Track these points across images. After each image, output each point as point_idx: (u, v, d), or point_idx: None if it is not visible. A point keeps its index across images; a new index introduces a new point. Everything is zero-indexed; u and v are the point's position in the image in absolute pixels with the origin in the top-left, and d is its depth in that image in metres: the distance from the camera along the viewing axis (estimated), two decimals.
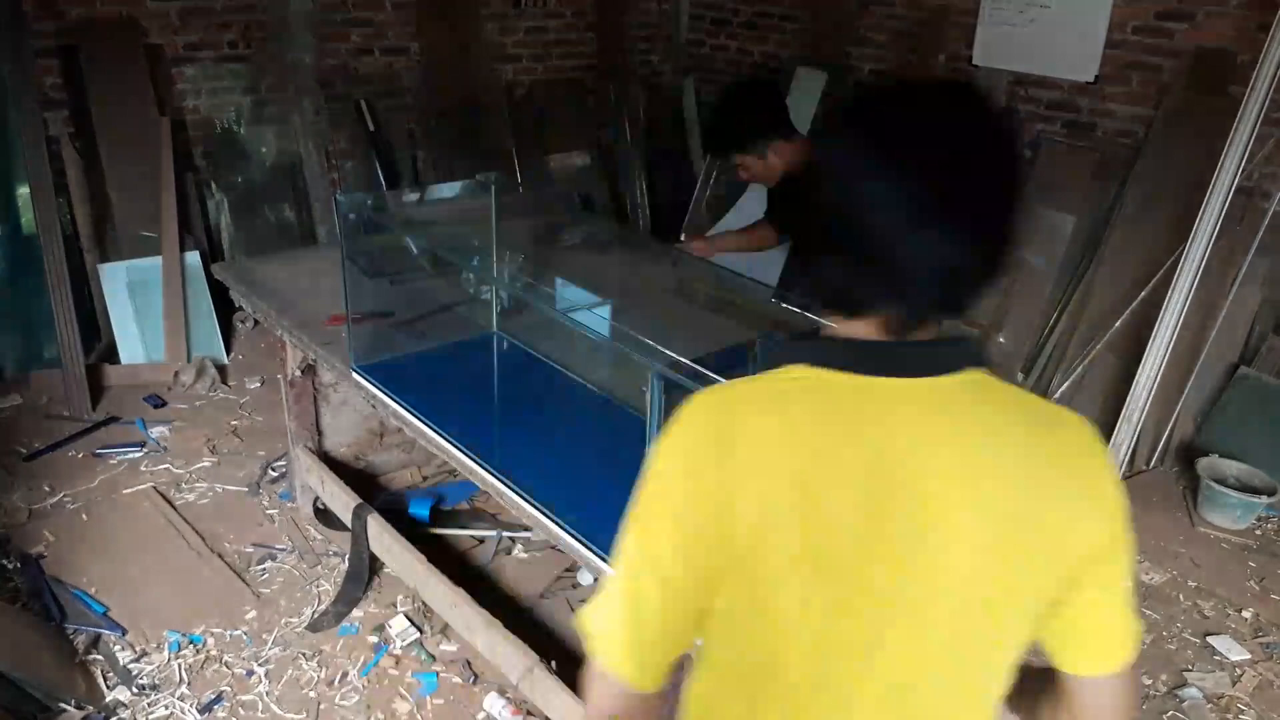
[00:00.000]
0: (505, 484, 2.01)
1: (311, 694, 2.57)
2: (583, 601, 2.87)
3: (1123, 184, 4.02)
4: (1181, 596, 3.10)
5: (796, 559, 0.91)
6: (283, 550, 3.10)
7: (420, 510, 3.10)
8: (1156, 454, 3.83)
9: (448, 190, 2.81)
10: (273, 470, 3.51)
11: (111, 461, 3.53)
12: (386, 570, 2.96)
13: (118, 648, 2.66)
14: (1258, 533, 3.46)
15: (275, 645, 2.71)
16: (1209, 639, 2.91)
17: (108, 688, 2.53)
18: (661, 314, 2.65)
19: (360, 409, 3.26)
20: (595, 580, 2.75)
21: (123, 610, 2.78)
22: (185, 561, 3.01)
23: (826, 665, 0.97)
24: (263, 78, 4.71)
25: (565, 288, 2.10)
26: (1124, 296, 3.88)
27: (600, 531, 1.82)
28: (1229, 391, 3.82)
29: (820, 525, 0.90)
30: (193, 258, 4.36)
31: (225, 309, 4.29)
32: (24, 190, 3.96)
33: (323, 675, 2.63)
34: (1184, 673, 2.78)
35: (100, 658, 2.62)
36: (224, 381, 4.16)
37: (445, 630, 2.77)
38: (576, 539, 1.83)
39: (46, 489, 3.34)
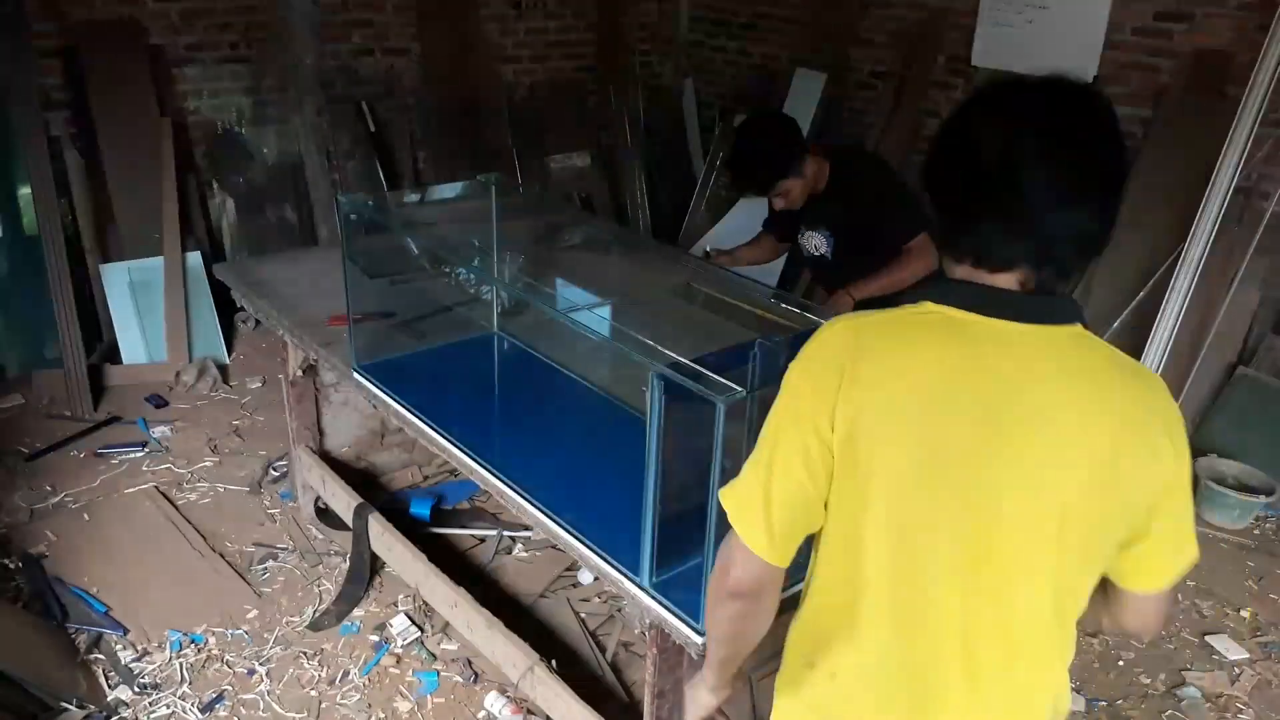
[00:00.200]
0: (505, 483, 2.02)
1: (313, 693, 2.57)
2: (584, 601, 2.90)
3: None
4: (1180, 596, 3.11)
5: (909, 473, 1.06)
6: (284, 550, 3.11)
7: (421, 510, 3.11)
8: None
9: (448, 191, 2.82)
10: (274, 470, 3.52)
11: (113, 461, 3.54)
12: (387, 569, 2.96)
13: (119, 647, 2.66)
14: (1256, 532, 3.46)
15: (276, 644, 2.72)
16: (1207, 638, 2.92)
17: (109, 687, 2.54)
18: (661, 314, 2.66)
19: (361, 409, 3.27)
20: (595, 579, 2.76)
21: (124, 610, 2.79)
22: (187, 561, 3.02)
23: (929, 579, 1.09)
24: (264, 78, 4.72)
25: (565, 288, 2.11)
26: (1123, 296, 3.89)
27: (600, 531, 1.83)
28: (1228, 391, 3.83)
29: (936, 445, 1.05)
30: (194, 258, 4.37)
31: (226, 309, 4.30)
32: (25, 191, 3.97)
33: (324, 674, 2.63)
34: (1183, 672, 2.78)
35: (102, 657, 2.62)
36: (225, 381, 4.17)
37: (446, 629, 2.77)
38: (576, 538, 1.84)
39: (48, 489, 3.35)
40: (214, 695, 2.53)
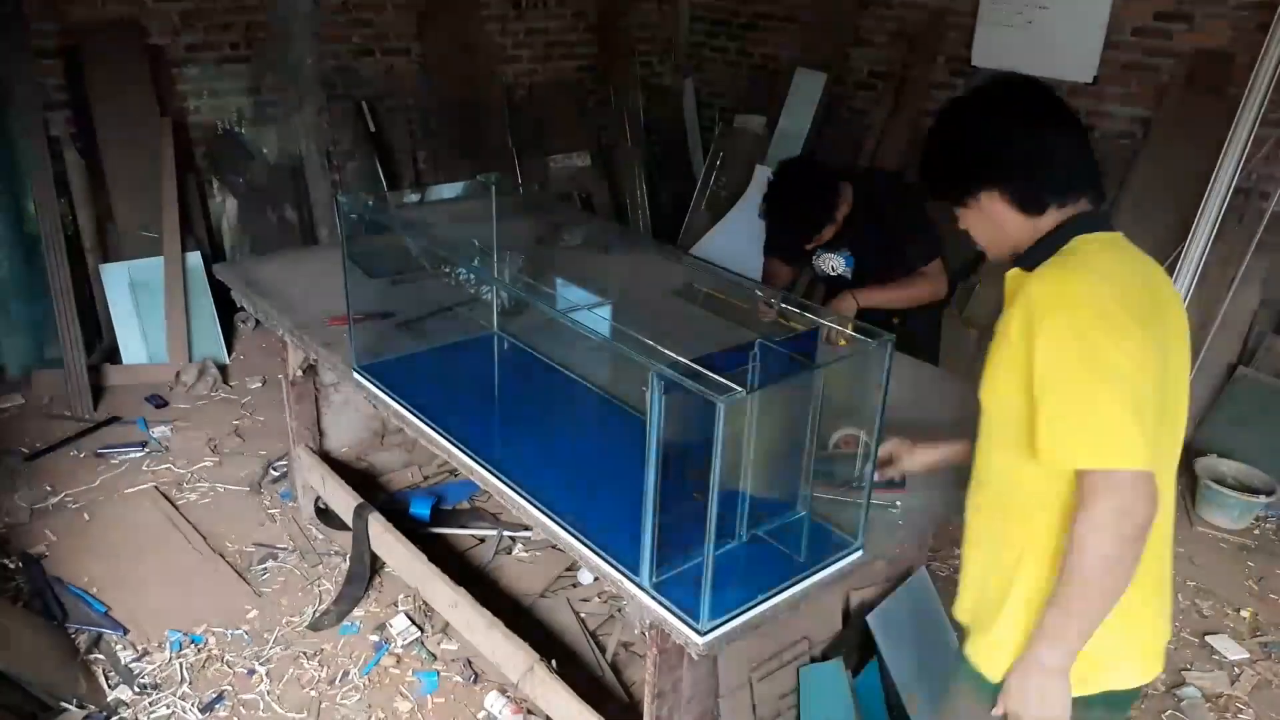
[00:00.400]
0: (505, 483, 2.02)
1: (313, 693, 2.57)
2: (584, 601, 2.90)
3: (1121, 185, 4.03)
4: (1180, 596, 3.11)
5: (1157, 365, 1.34)
6: (284, 550, 3.11)
7: (421, 510, 3.11)
8: None
9: (448, 191, 2.82)
10: (274, 470, 3.52)
11: (113, 461, 3.54)
12: (387, 569, 2.96)
13: (119, 647, 2.66)
14: (1256, 532, 3.46)
15: (276, 644, 2.72)
16: (1207, 638, 2.92)
17: (109, 687, 2.54)
18: (661, 314, 2.66)
19: (361, 409, 3.27)
20: (595, 579, 2.76)
21: (124, 610, 2.79)
22: (187, 561, 3.02)
23: (1175, 447, 1.46)
24: (264, 78, 4.72)
25: (565, 288, 2.11)
26: None
27: (600, 531, 1.83)
28: (1228, 391, 3.83)
29: (1159, 342, 1.36)
30: (194, 258, 4.37)
31: (227, 309, 4.30)
32: (26, 191, 3.97)
33: (324, 674, 2.63)
34: (1183, 672, 2.78)
35: (102, 657, 2.62)
36: (225, 381, 4.17)
37: (446, 629, 2.77)
38: (576, 538, 1.84)
39: (48, 489, 3.35)
40: (214, 695, 2.53)
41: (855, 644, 2.28)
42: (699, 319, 2.67)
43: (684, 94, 5.99)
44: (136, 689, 2.53)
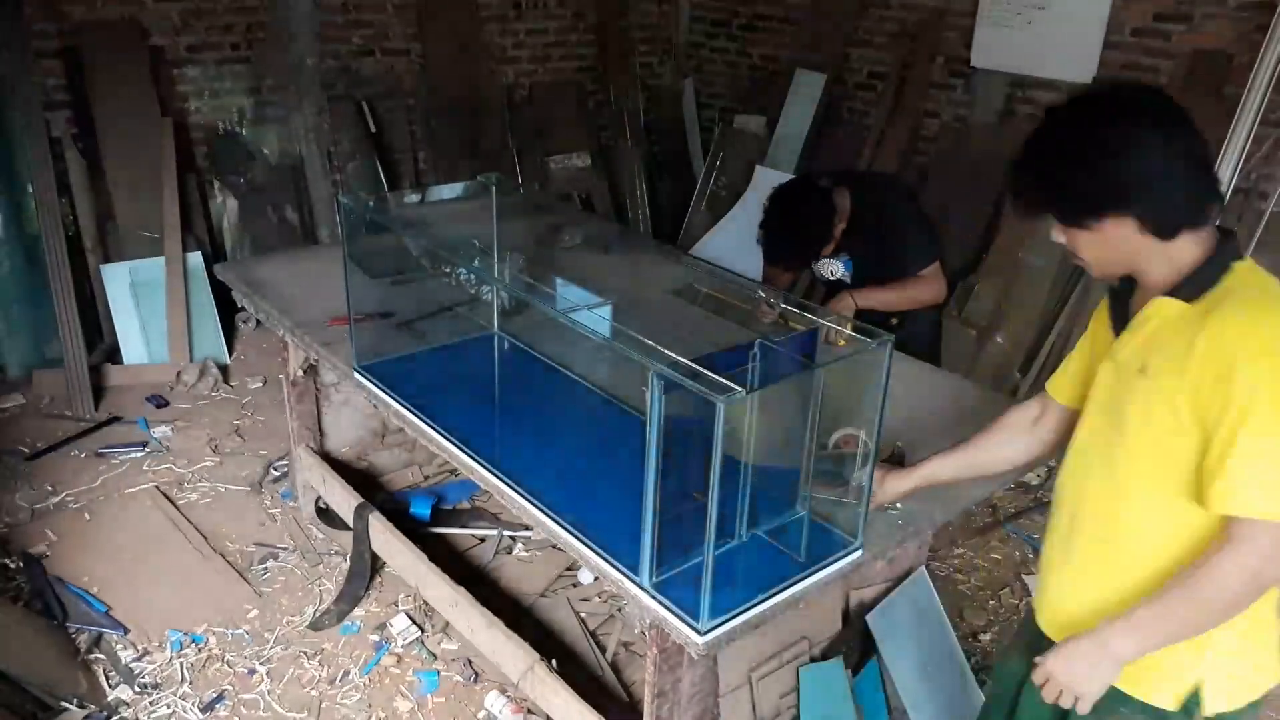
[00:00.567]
0: (505, 483, 2.02)
1: (313, 693, 2.58)
2: (584, 601, 2.90)
3: None
4: None
5: None
6: (284, 549, 3.11)
7: (421, 509, 3.11)
8: None
9: (449, 191, 2.82)
10: (275, 470, 3.53)
11: (114, 461, 3.54)
12: (388, 569, 2.97)
13: (119, 647, 2.67)
14: None
15: (277, 644, 2.72)
16: None
17: (109, 686, 2.54)
18: (661, 314, 2.67)
19: (361, 409, 3.27)
20: (595, 579, 2.77)
21: (124, 609, 2.79)
22: (187, 561, 3.02)
23: None
24: (264, 79, 4.72)
25: (565, 288, 2.11)
26: None
27: (600, 531, 1.83)
28: None
29: None
30: (195, 258, 4.37)
31: (227, 309, 4.30)
32: (27, 191, 3.97)
33: (324, 674, 2.64)
34: None
35: (102, 657, 2.63)
36: (226, 381, 4.17)
37: (446, 629, 2.78)
38: (576, 538, 1.84)
39: (49, 488, 3.35)
40: (214, 695, 2.54)
41: (855, 644, 2.29)
42: (699, 319, 2.67)
43: (684, 94, 5.99)
44: (137, 689, 2.53)
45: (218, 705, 2.51)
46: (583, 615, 2.85)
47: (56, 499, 3.30)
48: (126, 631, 2.71)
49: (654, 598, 1.66)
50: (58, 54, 4.21)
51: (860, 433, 1.81)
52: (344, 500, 2.91)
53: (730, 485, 1.75)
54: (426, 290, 2.73)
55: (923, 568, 2.32)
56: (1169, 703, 1.45)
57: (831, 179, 2.87)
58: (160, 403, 3.95)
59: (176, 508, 3.28)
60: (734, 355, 1.64)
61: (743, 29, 5.72)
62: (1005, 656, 1.80)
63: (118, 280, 4.24)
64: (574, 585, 2.98)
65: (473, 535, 3.17)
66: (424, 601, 2.79)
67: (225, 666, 2.64)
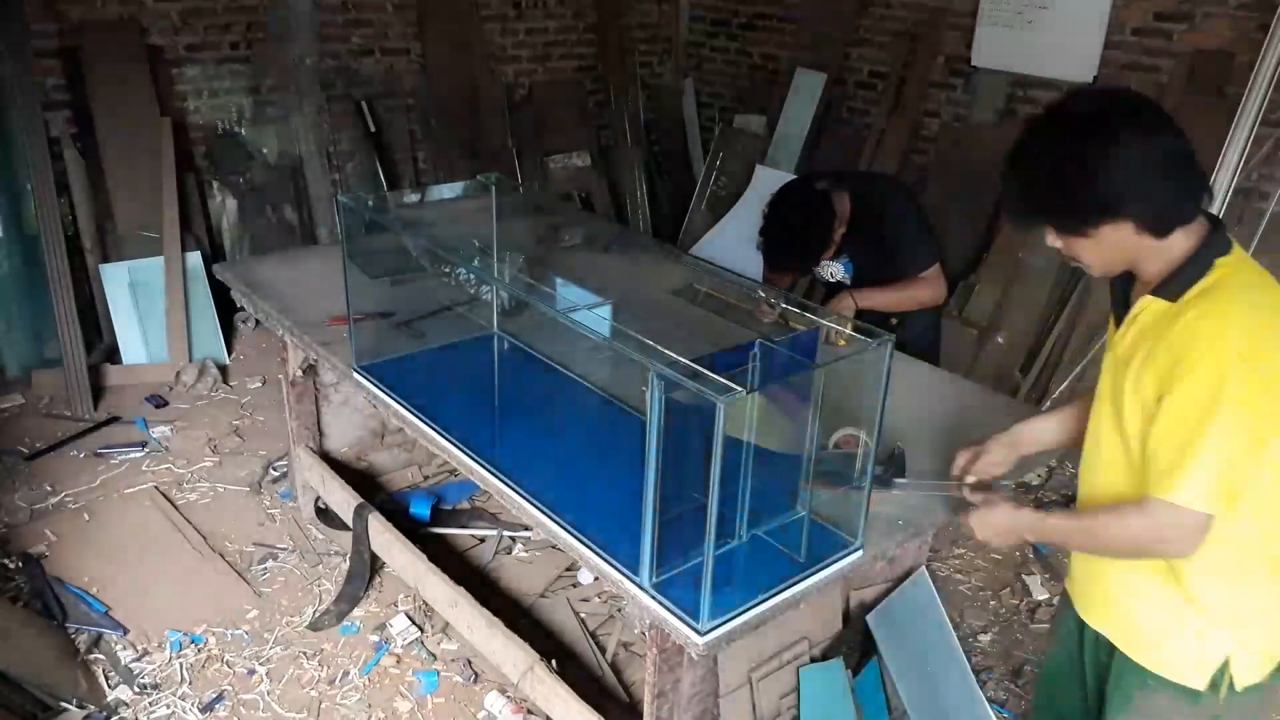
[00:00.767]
0: (505, 483, 2.02)
1: (313, 693, 2.57)
2: (584, 601, 2.90)
3: None
4: None
5: None
6: (284, 550, 3.11)
7: (421, 510, 3.11)
8: None
9: (448, 191, 2.82)
10: (274, 470, 3.52)
11: (113, 461, 3.54)
12: (387, 569, 2.96)
13: (119, 647, 2.66)
14: None
15: (276, 644, 2.72)
16: None
17: (109, 687, 2.54)
18: (661, 314, 2.66)
19: (361, 409, 3.27)
20: (595, 579, 2.76)
21: (124, 610, 2.79)
22: (186, 561, 3.02)
23: None
24: (264, 78, 4.72)
25: (565, 288, 2.11)
26: None
27: (600, 531, 1.83)
28: None
29: None
30: (194, 258, 4.37)
31: (226, 309, 4.30)
32: (27, 191, 3.97)
33: (324, 674, 2.63)
34: None
35: (101, 657, 2.62)
36: (225, 381, 4.17)
37: (446, 629, 2.77)
38: (576, 538, 1.84)
39: (48, 489, 3.35)
40: (214, 695, 2.53)
41: (855, 644, 2.28)
42: (699, 319, 2.67)
43: (684, 94, 5.99)
44: (136, 689, 2.53)
45: (217, 705, 2.51)
46: (583, 615, 2.84)
47: (56, 499, 3.30)
48: (126, 632, 2.71)
49: (654, 598, 1.66)
50: (57, 54, 4.21)
51: (860, 432, 1.81)
52: (343, 500, 2.91)
53: (730, 485, 1.74)
54: (426, 290, 2.73)
55: (923, 568, 2.32)
56: (1199, 682, 1.50)
57: (831, 180, 2.87)
58: (159, 403, 3.95)
59: (176, 508, 3.27)
60: (734, 355, 1.64)
61: (743, 28, 5.71)
62: (1051, 640, 1.90)
63: (117, 280, 4.24)
64: (574, 585, 2.98)
65: (472, 535, 3.17)
66: (424, 602, 2.79)
67: (225, 667, 2.63)
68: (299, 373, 3.04)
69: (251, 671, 2.62)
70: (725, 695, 2.05)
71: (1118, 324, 1.53)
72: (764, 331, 2.54)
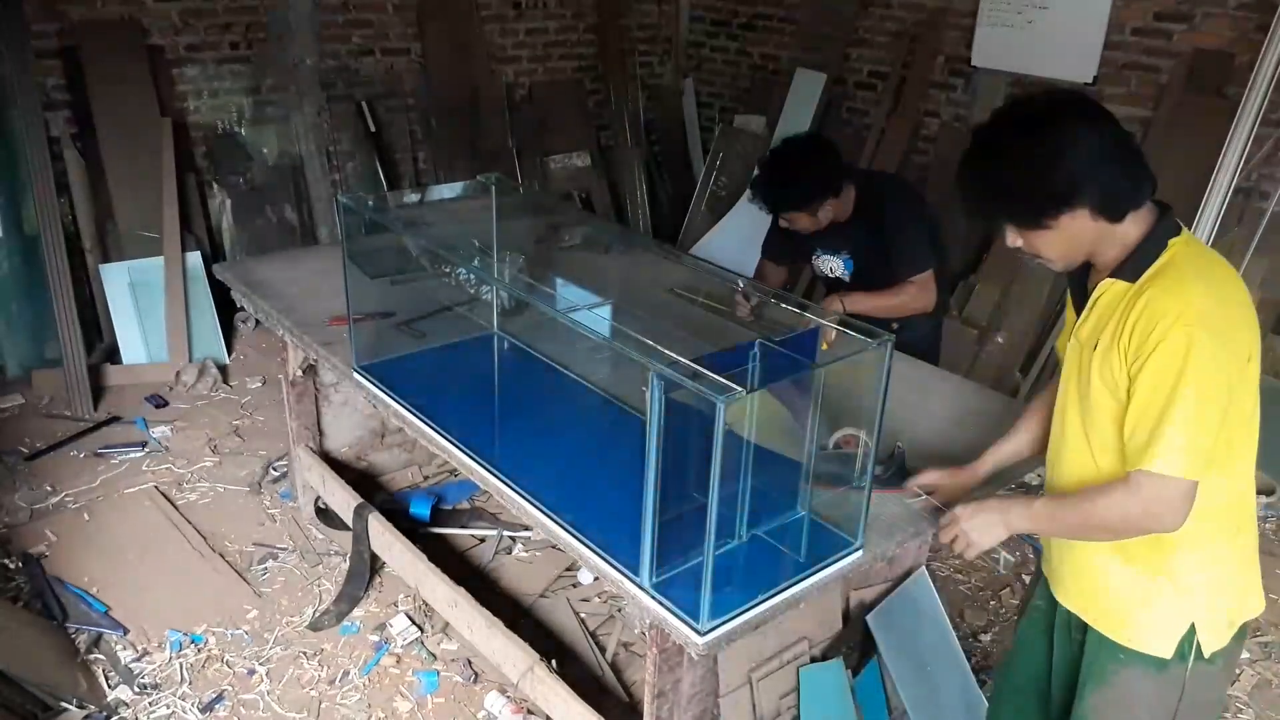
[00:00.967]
0: (505, 483, 2.02)
1: (313, 693, 2.57)
2: (584, 601, 2.90)
3: None
4: None
5: (1257, 350, 1.45)
6: (284, 550, 3.11)
7: (421, 510, 3.11)
8: None
9: (448, 191, 2.82)
10: (274, 470, 3.52)
11: (113, 461, 3.54)
12: (387, 569, 2.96)
13: (119, 647, 2.67)
14: None
15: (276, 644, 2.72)
16: None
17: (109, 687, 2.54)
18: (661, 314, 2.66)
19: (361, 409, 3.27)
20: (595, 579, 2.76)
21: (124, 610, 2.79)
22: (186, 561, 3.02)
23: (1256, 415, 1.50)
24: (264, 78, 4.72)
25: (565, 288, 2.11)
26: None
27: (600, 531, 1.83)
28: None
29: (1254, 321, 1.46)
30: (194, 258, 4.37)
31: (226, 309, 4.30)
32: (26, 190, 3.97)
33: (324, 674, 2.63)
34: None
35: (101, 657, 2.62)
36: (225, 381, 4.17)
37: (446, 629, 2.77)
38: (576, 538, 1.84)
39: (48, 489, 3.35)
40: (214, 695, 2.53)
41: (855, 644, 2.28)
42: (699, 319, 2.67)
43: (684, 94, 5.99)
44: (136, 689, 2.53)
45: (217, 705, 2.51)
46: (583, 615, 2.84)
47: (56, 499, 3.30)
48: (126, 632, 2.71)
49: (654, 598, 1.66)
50: (57, 54, 4.21)
51: (860, 432, 1.82)
52: (343, 500, 2.91)
53: (730, 485, 1.74)
54: (426, 290, 2.73)
55: (923, 568, 2.32)
56: (1166, 651, 1.56)
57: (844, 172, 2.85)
58: (159, 403, 3.95)
59: (176, 508, 3.27)
60: (734, 355, 1.64)
61: (743, 28, 5.71)
62: (1021, 623, 1.91)
63: (117, 280, 4.24)
64: (574, 585, 2.98)
65: (472, 535, 3.17)
66: (424, 602, 2.79)
67: (225, 667, 2.64)
68: (299, 373, 3.04)
69: (251, 671, 2.62)
70: (725, 695, 2.05)
71: (1078, 313, 1.60)
72: (742, 322, 2.54)
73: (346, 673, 2.64)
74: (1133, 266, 1.47)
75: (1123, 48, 4.09)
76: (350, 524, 2.87)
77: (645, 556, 1.65)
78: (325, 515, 3.17)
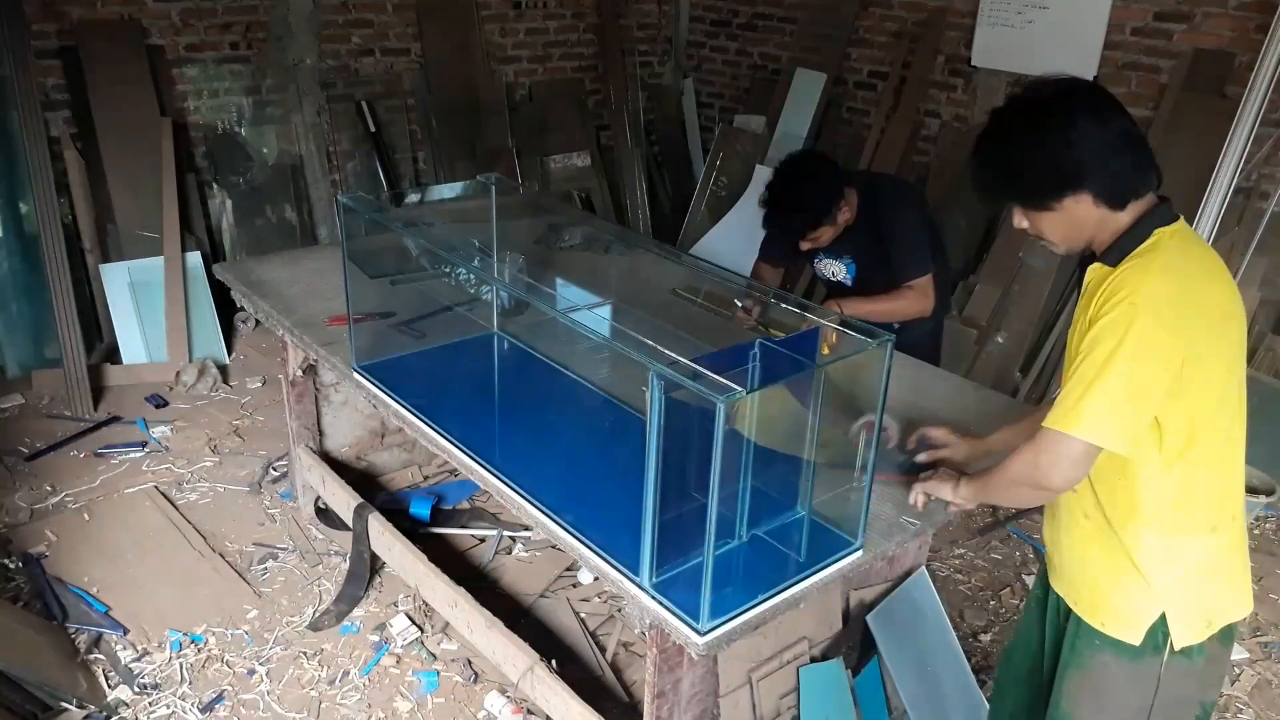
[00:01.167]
0: (505, 483, 2.02)
1: (313, 693, 2.57)
2: (584, 601, 2.90)
3: None
4: None
5: (1230, 348, 1.54)
6: (284, 550, 3.11)
7: (421, 510, 3.11)
8: None
9: (448, 191, 2.82)
10: (274, 470, 3.52)
11: (113, 461, 3.54)
12: (387, 569, 2.96)
13: (119, 647, 2.67)
14: (1256, 532, 3.46)
15: (276, 644, 2.72)
16: None
17: (109, 687, 2.54)
18: (661, 314, 2.66)
19: (361, 409, 3.27)
20: (595, 579, 2.76)
21: (124, 610, 2.79)
22: (186, 561, 3.02)
23: (1239, 416, 1.63)
24: (264, 79, 4.72)
25: (565, 288, 2.11)
26: None
27: (600, 531, 1.83)
28: None
29: (1231, 321, 1.52)
30: (194, 258, 4.37)
31: (226, 309, 4.30)
32: (26, 191, 3.97)
33: (324, 674, 2.63)
34: None
35: (102, 657, 2.62)
36: (225, 381, 4.17)
37: (446, 629, 2.77)
38: (576, 538, 1.84)
39: (48, 489, 3.35)
40: (214, 695, 2.53)
41: (855, 644, 2.28)
42: (699, 319, 2.67)
43: (684, 94, 5.99)
44: (136, 689, 2.53)
45: (217, 705, 2.51)
46: (583, 615, 2.84)
47: (56, 499, 3.30)
48: (126, 632, 2.71)
49: (654, 598, 1.66)
50: (57, 54, 4.21)
51: (885, 420, 1.89)
52: (343, 500, 2.91)
53: (730, 485, 1.74)
54: (426, 290, 2.73)
55: (923, 568, 2.32)
56: (1135, 638, 1.59)
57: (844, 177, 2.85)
58: (159, 403, 3.95)
59: (176, 508, 3.27)
60: (734, 355, 1.64)
61: (743, 28, 5.71)
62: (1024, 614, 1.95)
63: (117, 280, 4.24)
64: (574, 585, 2.98)
65: (472, 535, 3.17)
66: (424, 602, 2.79)
67: (225, 667, 2.64)
68: (299, 373, 3.04)
69: (251, 671, 2.62)
70: (725, 695, 2.05)
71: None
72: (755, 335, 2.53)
73: (346, 673, 2.64)
74: (1116, 252, 1.52)
75: (1123, 47, 4.09)
76: (350, 524, 2.87)
77: (645, 556, 1.65)
78: (325, 515, 3.17)
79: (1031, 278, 4.22)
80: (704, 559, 1.56)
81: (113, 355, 4.21)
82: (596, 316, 1.93)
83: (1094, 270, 1.56)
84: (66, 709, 2.41)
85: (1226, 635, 1.62)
